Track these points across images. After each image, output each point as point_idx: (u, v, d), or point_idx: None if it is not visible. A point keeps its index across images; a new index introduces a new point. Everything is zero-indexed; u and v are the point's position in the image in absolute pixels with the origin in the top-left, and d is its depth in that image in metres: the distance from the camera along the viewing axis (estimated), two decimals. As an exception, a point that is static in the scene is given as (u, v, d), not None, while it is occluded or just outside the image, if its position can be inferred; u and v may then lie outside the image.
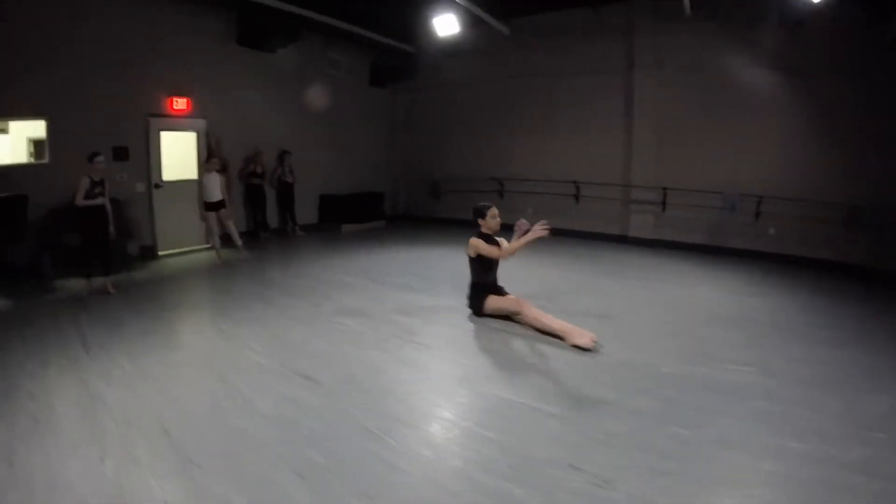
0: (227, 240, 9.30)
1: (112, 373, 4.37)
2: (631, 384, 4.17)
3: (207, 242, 10.47)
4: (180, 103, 10.31)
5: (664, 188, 10.86)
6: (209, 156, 9.30)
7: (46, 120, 8.64)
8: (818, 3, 8.28)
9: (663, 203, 10.95)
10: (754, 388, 4.14)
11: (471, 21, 11.15)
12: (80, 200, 6.71)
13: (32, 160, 9.56)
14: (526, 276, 7.69)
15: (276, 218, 12.30)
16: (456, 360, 4.70)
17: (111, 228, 7.22)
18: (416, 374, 4.41)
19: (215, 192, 9.07)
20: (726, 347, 5.07)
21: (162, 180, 10.10)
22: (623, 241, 11.47)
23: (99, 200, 6.89)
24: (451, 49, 12.43)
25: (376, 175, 15.19)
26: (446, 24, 10.62)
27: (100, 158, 6.95)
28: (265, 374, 4.35)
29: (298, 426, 3.50)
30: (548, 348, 4.94)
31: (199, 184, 9.42)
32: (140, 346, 5.01)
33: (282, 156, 11.91)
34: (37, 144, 9.74)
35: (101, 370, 4.44)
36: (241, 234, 9.50)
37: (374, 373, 4.37)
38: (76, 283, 7.33)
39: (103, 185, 6.97)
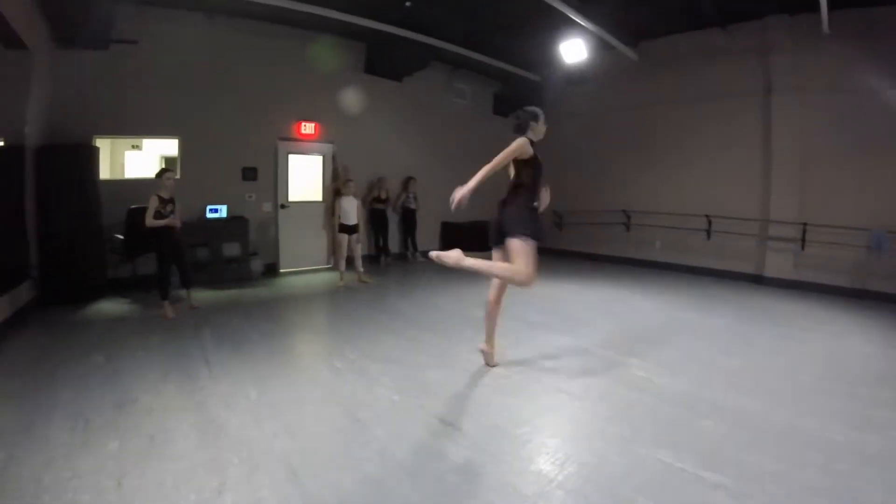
0: (349, 263, 9.10)
1: (236, 399, 4.01)
2: (797, 453, 3.42)
3: (330, 263, 10.60)
4: (308, 128, 10.50)
5: (804, 224, 9.66)
6: (347, 180, 9.19)
7: (179, 139, 8.99)
8: None
9: (803, 240, 9.74)
10: None
11: (597, 47, 10.65)
12: (150, 221, 6.42)
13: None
14: (662, 319, 6.96)
15: (398, 243, 12.19)
16: (605, 412, 4.01)
17: (182, 244, 6.97)
18: (564, 428, 3.79)
19: (352, 215, 8.93)
20: (889, 410, 4.20)
21: (288, 201, 10.23)
22: (758, 281, 10.28)
23: (168, 220, 6.55)
24: (577, 77, 11.95)
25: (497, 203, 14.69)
26: (574, 51, 10.24)
27: (169, 175, 6.69)
28: (400, 415, 3.83)
29: (442, 482, 2.92)
30: (697, 402, 4.22)
31: (333, 206, 9.42)
32: (264, 372, 4.67)
33: (406, 182, 11.83)
34: (168, 161, 10.06)
35: (224, 394, 4.11)
36: (363, 258, 9.30)
37: (519, 423, 3.74)
38: (201, 295, 7.38)
39: (173, 203, 6.68)
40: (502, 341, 5.43)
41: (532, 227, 4.52)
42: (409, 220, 11.96)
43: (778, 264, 10.11)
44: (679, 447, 3.44)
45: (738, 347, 5.89)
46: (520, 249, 4.35)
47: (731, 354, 5.54)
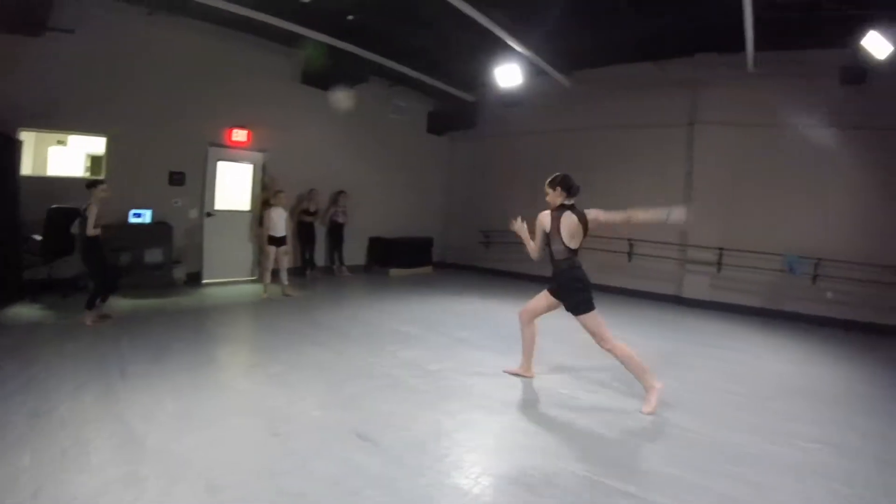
0: (274, 275, 9.02)
1: (154, 411, 3.99)
2: (708, 463, 3.71)
3: (255, 275, 10.46)
4: (240, 135, 10.36)
5: (721, 248, 10.44)
6: (277, 191, 9.17)
7: (107, 137, 8.72)
8: (881, 60, 7.99)
9: (719, 263, 10.50)
10: (835, 469, 3.73)
11: (533, 71, 11.06)
12: (91, 230, 6.30)
13: (88, 175, 9.52)
14: (583, 337, 7.21)
15: (324, 256, 12.16)
16: (522, 426, 4.24)
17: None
18: (483, 442, 3.94)
19: (281, 227, 8.91)
20: (800, 423, 4.62)
21: (214, 209, 10.06)
22: (677, 301, 10.96)
23: (99, 230, 6.43)
24: (512, 99, 12.27)
25: (426, 220, 14.92)
26: (509, 75, 10.54)
27: (104, 187, 6.54)
28: (321, 430, 3.90)
29: (359, 496, 3.03)
30: (618, 417, 4.49)
31: (261, 216, 9.33)
32: (184, 384, 4.64)
33: (337, 196, 11.86)
34: (94, 160, 9.75)
35: (142, 405, 4.08)
36: (288, 271, 9.27)
37: (438, 437, 3.89)
38: (120, 302, 7.29)
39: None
40: (426, 355, 5.59)
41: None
42: (336, 233, 11.98)
43: (696, 286, 10.82)
44: (596, 460, 3.66)
45: (657, 364, 6.16)
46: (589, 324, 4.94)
47: (651, 370, 5.84)
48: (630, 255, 11.56)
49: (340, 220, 11.87)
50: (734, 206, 10.44)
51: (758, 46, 8.89)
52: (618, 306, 9.99)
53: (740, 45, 8.91)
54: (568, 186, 5.07)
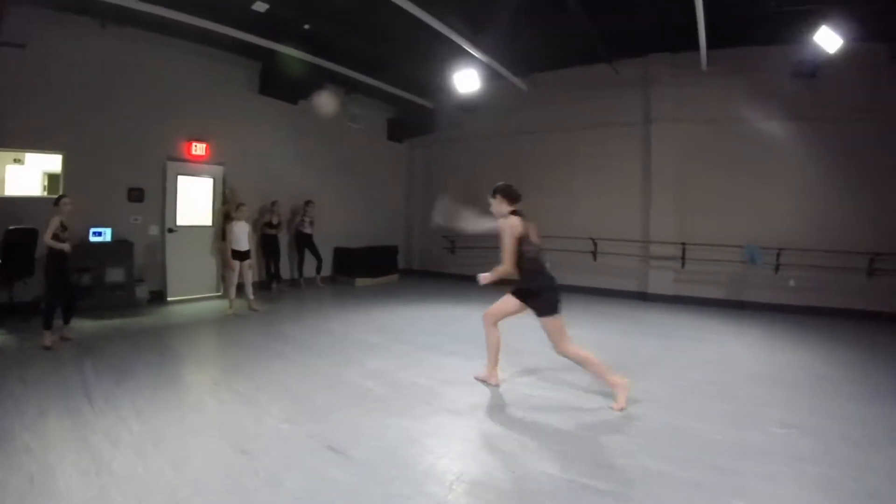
0: (239, 290, 8.93)
1: (119, 434, 3.95)
2: (680, 453, 3.83)
3: (220, 291, 10.34)
4: (199, 149, 10.26)
5: (683, 243, 10.75)
6: (239, 204, 9.10)
7: (63, 154, 8.54)
8: (831, 53, 8.38)
9: (682, 258, 10.81)
10: (803, 450, 3.89)
11: (490, 76, 11.24)
12: (48, 240, 6.19)
13: (45, 194, 9.37)
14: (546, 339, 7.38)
15: (290, 269, 12.09)
16: (493, 430, 4.28)
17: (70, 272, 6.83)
18: (453, 447, 3.97)
19: (244, 241, 8.83)
20: (769, 408, 4.80)
21: (176, 225, 9.93)
22: (643, 297, 11.27)
23: (66, 245, 6.37)
24: (470, 104, 12.46)
25: (390, 228, 15.02)
26: (467, 80, 10.66)
27: (66, 200, 6.49)
28: (289, 444, 3.91)
29: (333, 509, 3.08)
30: (589, 415, 4.57)
31: (224, 230, 9.23)
32: (150, 405, 4.59)
33: (305, 205, 11.84)
34: (51, 178, 9.60)
35: (107, 429, 4.03)
36: (254, 285, 9.20)
37: (408, 445, 3.93)
38: (82, 324, 7.17)
39: (66, 230, 6.46)
40: (393, 364, 5.60)
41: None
42: (303, 244, 11.91)
43: (660, 281, 11.13)
44: (565, 458, 3.73)
45: (623, 358, 6.34)
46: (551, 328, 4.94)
47: (617, 366, 5.92)
48: (595, 254, 11.77)
49: (307, 230, 11.81)
50: (694, 201, 10.77)
51: (710, 45, 9.19)
52: (584, 305, 10.17)
53: (693, 45, 9.19)
54: (511, 195, 5.18)
